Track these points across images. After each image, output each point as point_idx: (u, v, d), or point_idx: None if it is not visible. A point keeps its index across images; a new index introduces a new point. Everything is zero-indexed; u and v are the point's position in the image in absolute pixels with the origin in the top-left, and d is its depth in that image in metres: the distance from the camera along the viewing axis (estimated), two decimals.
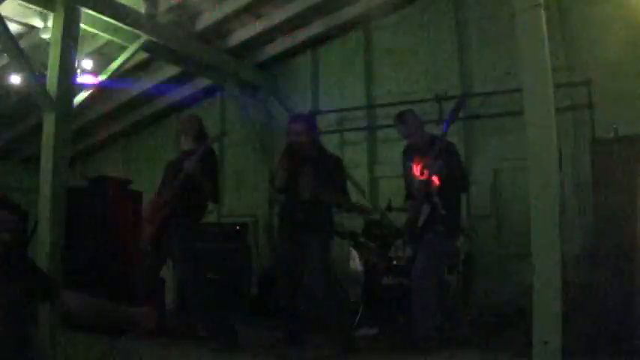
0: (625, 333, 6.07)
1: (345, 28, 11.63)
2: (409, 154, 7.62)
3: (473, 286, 8.77)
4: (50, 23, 8.21)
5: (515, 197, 9.64)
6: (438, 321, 7.05)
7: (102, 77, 9.42)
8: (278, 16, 10.70)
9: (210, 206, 8.24)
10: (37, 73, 7.93)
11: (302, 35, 11.57)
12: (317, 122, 7.94)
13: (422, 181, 7.20)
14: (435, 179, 7.04)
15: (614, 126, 6.97)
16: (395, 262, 8.73)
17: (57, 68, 7.74)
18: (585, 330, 6.33)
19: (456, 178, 7.22)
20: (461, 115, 9.78)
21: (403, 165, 7.73)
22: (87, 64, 9.56)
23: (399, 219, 8.71)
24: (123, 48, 9.57)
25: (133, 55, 9.62)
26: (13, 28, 8.87)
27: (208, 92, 12.70)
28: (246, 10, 10.32)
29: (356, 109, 11.48)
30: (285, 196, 7.65)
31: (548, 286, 5.68)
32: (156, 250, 7.61)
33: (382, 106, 11.25)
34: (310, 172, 7.34)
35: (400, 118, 7.69)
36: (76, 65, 8.40)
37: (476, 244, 9.40)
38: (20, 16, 8.72)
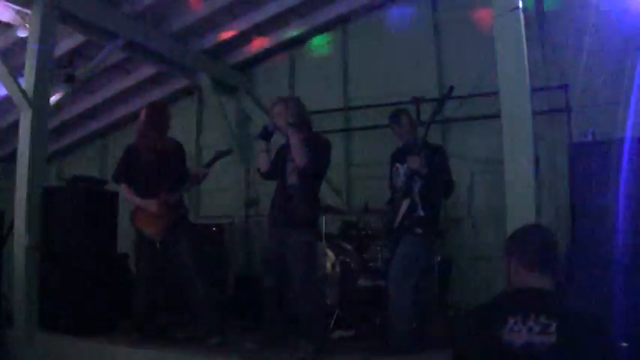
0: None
1: (322, 30, 11.64)
2: (398, 156, 7.60)
3: (449, 287, 8.77)
4: (28, 21, 8.17)
5: (491, 200, 9.67)
6: (415, 323, 7.06)
7: (79, 76, 9.37)
8: (255, 17, 10.68)
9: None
10: (13, 72, 7.90)
11: (279, 36, 11.58)
12: (302, 104, 7.78)
13: (405, 173, 7.21)
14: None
15: (591, 130, 7.00)
16: (371, 264, 8.73)
17: (34, 67, 7.73)
18: None
19: (440, 181, 7.20)
20: (437, 117, 9.83)
21: (390, 166, 7.71)
22: (64, 62, 9.50)
23: (376, 221, 8.75)
24: (100, 47, 9.52)
25: (110, 54, 9.58)
26: None
27: (185, 93, 12.67)
28: (223, 11, 10.30)
29: (333, 110, 11.47)
30: (276, 184, 7.63)
31: None
32: (163, 249, 7.61)
33: (359, 108, 11.27)
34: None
35: (393, 117, 7.67)
36: (53, 64, 8.37)
37: (452, 246, 9.42)
38: None
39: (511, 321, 3.26)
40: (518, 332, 3.19)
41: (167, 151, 7.74)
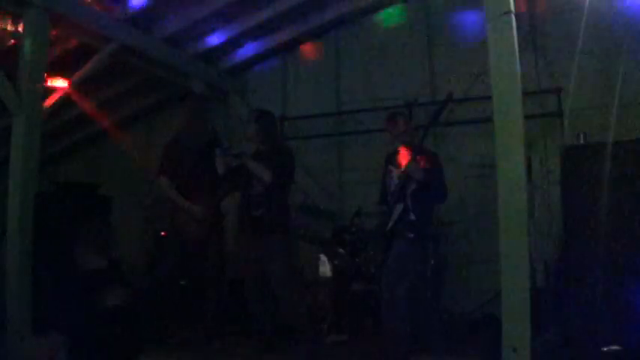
0: (594, 340, 6.10)
1: (315, 35, 11.65)
2: (393, 158, 7.58)
3: (442, 292, 8.78)
4: (21, 26, 8.16)
5: (484, 204, 9.67)
6: (408, 327, 7.05)
7: (72, 81, 9.36)
8: (248, 21, 10.68)
9: None
10: (6, 76, 7.88)
11: (272, 41, 11.58)
12: (270, 117, 7.85)
13: (399, 176, 7.19)
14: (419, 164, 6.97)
15: (583, 133, 7.02)
16: (364, 268, 8.73)
17: (27, 71, 7.70)
18: (555, 336, 6.36)
19: (433, 187, 7.18)
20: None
21: (384, 170, 7.69)
22: (57, 67, 9.49)
23: (368, 224, 8.75)
24: (93, 51, 9.51)
25: (103, 58, 9.56)
26: None
27: (179, 97, 12.63)
28: (216, 15, 10.30)
29: (325, 115, 11.50)
30: (241, 195, 7.67)
31: (517, 292, 5.71)
32: (200, 252, 7.67)
33: (351, 112, 11.28)
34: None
35: (389, 118, 7.64)
36: (46, 68, 8.35)
37: (445, 250, 9.42)
38: None
39: None
40: None
41: (209, 149, 7.76)
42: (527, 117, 6.30)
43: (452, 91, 7.25)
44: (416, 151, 7.06)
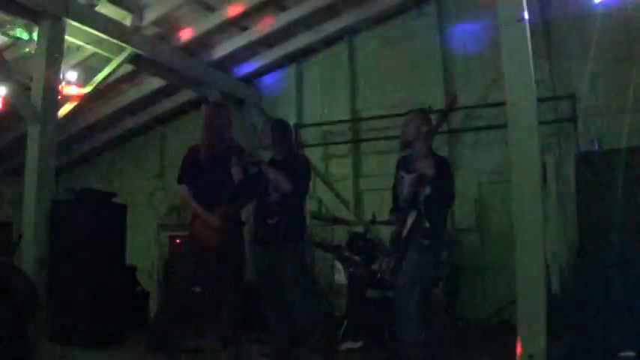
0: (610, 346, 6.08)
1: (329, 42, 11.67)
2: (403, 164, 7.53)
3: (457, 299, 8.76)
4: (35, 35, 8.20)
5: (499, 210, 9.65)
6: (423, 334, 7.03)
7: (87, 89, 9.39)
8: (263, 29, 10.70)
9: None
10: (21, 85, 7.93)
11: (287, 49, 11.60)
12: (287, 126, 7.80)
13: (411, 180, 7.13)
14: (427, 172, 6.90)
15: (597, 139, 7.01)
16: (379, 275, 8.71)
17: (42, 80, 7.74)
18: (570, 343, 6.34)
19: (445, 192, 7.14)
20: (445, 128, 9.83)
21: (395, 176, 7.65)
22: (72, 75, 9.51)
23: (384, 232, 8.73)
24: (108, 60, 9.53)
25: (118, 67, 9.58)
26: None
27: (193, 105, 12.65)
28: (230, 23, 10.32)
29: (340, 122, 11.48)
30: (256, 203, 7.66)
31: (533, 299, 5.70)
32: (217, 261, 7.64)
33: (366, 119, 11.28)
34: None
35: (408, 115, 7.54)
36: (61, 77, 8.38)
37: (460, 256, 9.40)
38: (5, 28, 8.69)
39: None
40: None
41: (227, 156, 7.71)
42: (541, 123, 6.32)
43: (455, 95, 7.22)
44: (423, 156, 7.02)
